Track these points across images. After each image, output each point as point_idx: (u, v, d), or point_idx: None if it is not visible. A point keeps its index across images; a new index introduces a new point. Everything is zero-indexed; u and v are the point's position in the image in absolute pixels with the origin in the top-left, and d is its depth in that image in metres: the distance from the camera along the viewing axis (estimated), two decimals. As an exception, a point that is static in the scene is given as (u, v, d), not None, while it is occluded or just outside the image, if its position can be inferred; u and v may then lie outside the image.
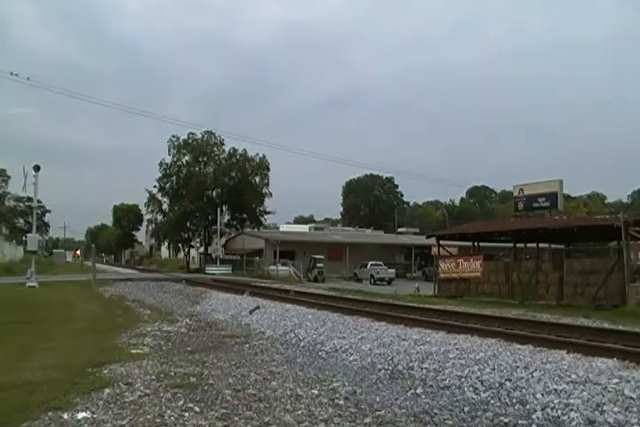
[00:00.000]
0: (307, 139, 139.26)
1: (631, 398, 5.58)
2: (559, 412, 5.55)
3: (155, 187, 50.17)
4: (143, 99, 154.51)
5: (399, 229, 67.67)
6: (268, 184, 49.97)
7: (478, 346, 8.42)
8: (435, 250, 30.66)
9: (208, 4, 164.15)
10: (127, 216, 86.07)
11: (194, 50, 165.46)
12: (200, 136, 49.77)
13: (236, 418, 5.35)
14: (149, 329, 11.88)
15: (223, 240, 49.25)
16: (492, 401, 6.20)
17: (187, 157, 49.89)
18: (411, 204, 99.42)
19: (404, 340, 9.29)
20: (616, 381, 6.09)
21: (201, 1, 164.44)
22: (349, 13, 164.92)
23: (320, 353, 9.47)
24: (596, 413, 5.37)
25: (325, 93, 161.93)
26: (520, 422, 5.52)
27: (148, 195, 50.84)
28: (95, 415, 5.29)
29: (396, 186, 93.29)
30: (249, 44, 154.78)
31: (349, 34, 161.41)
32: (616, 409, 5.36)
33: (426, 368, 7.67)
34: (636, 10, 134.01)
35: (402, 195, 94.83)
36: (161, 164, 49.50)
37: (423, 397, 6.53)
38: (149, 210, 52.97)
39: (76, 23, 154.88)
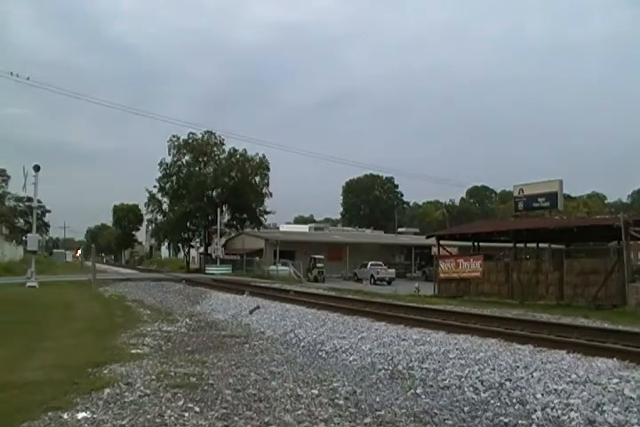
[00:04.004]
0: (307, 139, 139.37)
1: (631, 398, 5.58)
2: (559, 412, 5.55)
3: (155, 187, 50.23)
4: (142, 99, 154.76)
5: (399, 229, 67.72)
6: (268, 184, 49.97)
7: (478, 346, 8.42)
8: (435, 250, 30.68)
9: (205, 4, 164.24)
10: (127, 216, 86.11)
11: (192, 50, 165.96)
12: (200, 136, 49.79)
13: (236, 418, 5.35)
14: (149, 329, 11.88)
15: (223, 240, 49.21)
16: (492, 401, 6.20)
17: (187, 157, 49.89)
18: (411, 204, 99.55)
19: (404, 340, 9.29)
20: (616, 381, 6.09)
21: (197, 2, 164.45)
22: (347, 13, 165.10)
23: (320, 353, 9.47)
24: (596, 413, 5.37)
25: (325, 93, 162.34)
26: (520, 422, 5.52)
27: (148, 195, 50.90)
28: (95, 415, 5.29)
29: (396, 186, 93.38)
30: (247, 45, 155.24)
31: (347, 34, 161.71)
32: (616, 409, 5.36)
33: (426, 368, 7.67)
34: (636, 9, 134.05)
35: (402, 195, 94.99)
36: (161, 164, 49.51)
37: (423, 397, 6.53)
38: (149, 210, 52.95)
39: (74, 24, 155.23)
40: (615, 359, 7.19)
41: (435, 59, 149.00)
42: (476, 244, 28.01)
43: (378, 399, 6.27)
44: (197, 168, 49.67)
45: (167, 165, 49.56)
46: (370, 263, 41.02)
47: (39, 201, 32.45)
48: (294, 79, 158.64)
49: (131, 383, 6.54)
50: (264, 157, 49.70)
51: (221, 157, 50.41)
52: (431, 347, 8.59)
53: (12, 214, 49.98)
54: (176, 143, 49.13)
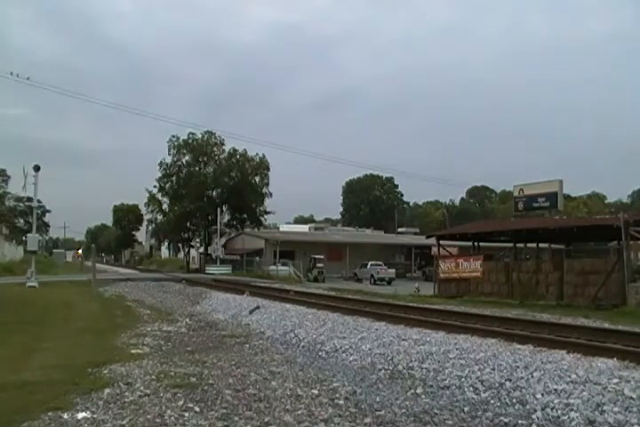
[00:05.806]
0: (306, 139, 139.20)
1: (631, 398, 5.57)
2: (559, 412, 5.55)
3: (155, 187, 50.25)
4: (142, 99, 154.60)
5: (399, 229, 67.66)
6: (267, 184, 50.00)
7: (478, 346, 8.42)
8: (435, 250, 30.68)
9: (204, 5, 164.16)
10: (127, 216, 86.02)
11: (191, 51, 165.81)
12: (200, 136, 49.81)
13: (236, 418, 5.35)
14: (149, 329, 11.89)
15: (223, 240, 49.23)
16: (491, 401, 6.20)
17: (187, 157, 49.92)
18: (411, 204, 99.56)
19: (404, 340, 9.29)
20: (616, 381, 6.08)
21: (196, 2, 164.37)
22: (345, 13, 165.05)
23: (320, 353, 9.47)
24: (596, 413, 5.37)
25: (324, 93, 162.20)
26: (520, 422, 5.52)
27: (147, 195, 50.91)
28: (95, 415, 5.30)
29: (396, 186, 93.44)
30: (245, 45, 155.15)
31: (345, 34, 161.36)
32: (616, 409, 5.36)
33: (426, 368, 7.67)
34: (637, 9, 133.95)
35: (402, 195, 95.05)
36: (161, 164, 49.53)
37: (423, 397, 6.53)
38: (149, 210, 52.98)
39: (74, 25, 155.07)
40: (615, 359, 7.19)
41: (434, 59, 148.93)
42: (476, 244, 28.01)
43: (378, 399, 6.28)
44: (197, 168, 49.68)
45: (167, 165, 49.59)
46: (370, 263, 41.02)
47: (39, 201, 32.43)
48: (293, 79, 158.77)
49: (131, 383, 6.55)
50: (264, 156, 49.80)
51: (221, 157, 50.43)
52: (431, 347, 8.59)
53: (12, 214, 49.96)
54: (176, 143, 49.16)
